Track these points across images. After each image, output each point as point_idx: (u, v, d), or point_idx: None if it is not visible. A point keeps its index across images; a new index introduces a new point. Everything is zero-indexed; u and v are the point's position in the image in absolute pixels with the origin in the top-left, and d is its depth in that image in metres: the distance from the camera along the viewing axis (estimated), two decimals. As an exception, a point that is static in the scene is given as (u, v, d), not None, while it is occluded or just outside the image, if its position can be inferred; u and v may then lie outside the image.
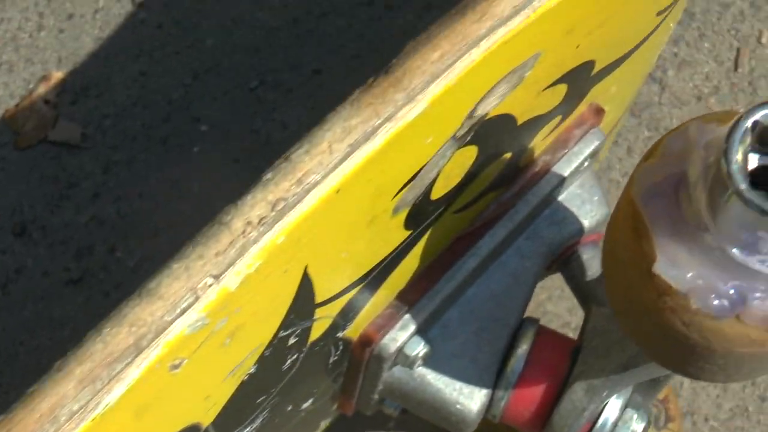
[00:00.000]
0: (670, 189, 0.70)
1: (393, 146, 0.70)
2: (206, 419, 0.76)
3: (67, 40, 1.51)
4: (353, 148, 0.68)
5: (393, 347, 0.90)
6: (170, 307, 0.63)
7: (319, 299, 0.77)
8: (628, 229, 0.73)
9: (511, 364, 0.94)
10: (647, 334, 0.77)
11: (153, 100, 1.45)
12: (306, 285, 0.74)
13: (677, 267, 0.69)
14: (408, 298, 0.90)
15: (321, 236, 0.71)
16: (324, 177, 0.67)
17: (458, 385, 0.94)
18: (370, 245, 0.78)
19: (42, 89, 1.50)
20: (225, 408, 0.76)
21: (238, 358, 0.73)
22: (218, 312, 0.65)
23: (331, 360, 0.88)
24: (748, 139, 0.66)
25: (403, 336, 0.90)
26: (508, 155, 0.86)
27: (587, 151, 0.95)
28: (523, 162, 0.91)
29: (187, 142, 1.41)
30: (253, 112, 1.43)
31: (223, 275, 0.64)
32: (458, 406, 0.94)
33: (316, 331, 0.81)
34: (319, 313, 0.79)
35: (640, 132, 1.46)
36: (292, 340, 0.79)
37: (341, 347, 0.88)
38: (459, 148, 0.78)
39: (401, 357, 0.91)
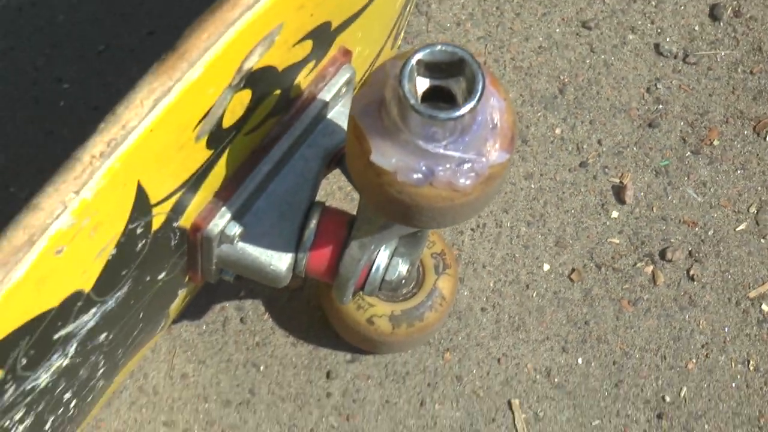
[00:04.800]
0: (375, 106, 0.99)
1: (185, 97, 0.97)
2: (87, 286, 1.01)
3: None
4: (156, 102, 0.96)
5: (216, 230, 1.19)
6: (48, 215, 0.90)
7: (153, 201, 1.04)
8: (352, 135, 1.01)
9: (305, 235, 1.25)
10: (380, 203, 1.06)
11: (22, 68, 1.67)
12: (141, 192, 1.01)
13: (385, 156, 0.97)
14: (223, 195, 1.19)
15: (146, 160, 0.99)
16: (139, 122, 0.96)
17: (270, 252, 1.24)
18: (184, 162, 1.06)
19: None
20: (98, 279, 1.02)
21: (102, 244, 1.00)
22: (81, 215, 0.91)
23: (173, 243, 1.16)
24: (417, 70, 0.96)
25: (222, 222, 1.19)
26: (277, 91, 1.15)
27: (341, 81, 1.25)
28: (293, 94, 1.20)
29: (55, 98, 1.64)
30: (103, 70, 1.67)
31: (80, 191, 0.91)
32: (271, 267, 1.24)
33: (156, 222, 1.08)
34: (155, 210, 1.06)
35: (417, 53, 1.73)
36: (139, 230, 1.06)
37: (178, 233, 1.17)
38: (236, 92, 1.06)
39: (224, 236, 1.20)
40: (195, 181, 1.13)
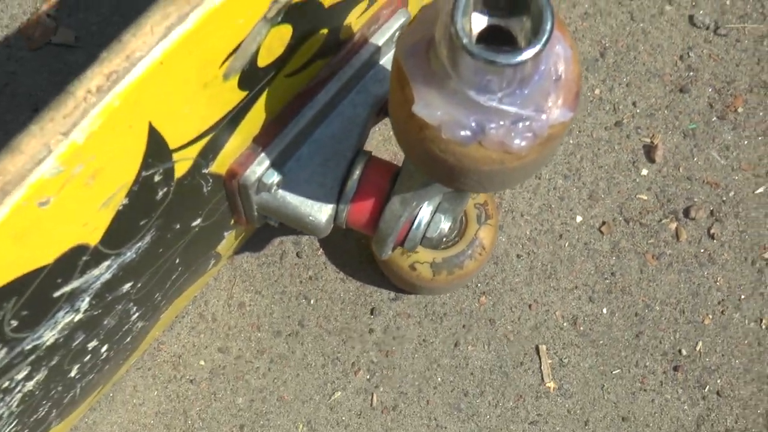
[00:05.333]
0: (423, 48, 0.62)
1: (206, 27, 0.62)
2: (92, 240, 0.69)
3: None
4: (169, 29, 0.60)
5: (253, 178, 0.84)
6: (29, 159, 0.56)
7: (173, 145, 0.70)
8: (395, 81, 0.65)
9: (348, 185, 0.89)
10: (422, 160, 0.69)
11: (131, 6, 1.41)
12: (155, 135, 0.66)
13: (430, 107, 0.61)
14: (262, 141, 0.83)
15: (158, 98, 0.63)
16: (148, 52, 0.60)
17: (310, 202, 0.88)
18: (210, 103, 0.70)
19: (45, 7, 1.44)
20: (108, 231, 0.69)
21: (107, 193, 0.66)
22: (71, 161, 0.58)
23: (205, 190, 0.81)
24: (472, 5, 0.58)
25: (260, 169, 0.84)
26: (324, 31, 0.78)
27: (396, 26, 0.88)
28: (344, 35, 0.83)
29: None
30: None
31: (70, 132, 0.57)
32: (311, 218, 0.88)
33: (180, 169, 0.73)
34: (177, 156, 0.71)
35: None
36: (157, 178, 0.71)
37: (211, 180, 0.81)
38: (273, 26, 0.70)
39: (261, 185, 0.85)
40: (228, 124, 0.76)
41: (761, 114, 1.33)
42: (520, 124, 0.61)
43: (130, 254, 0.77)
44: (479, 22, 0.60)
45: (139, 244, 0.77)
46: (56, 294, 0.68)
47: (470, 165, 0.64)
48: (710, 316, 1.25)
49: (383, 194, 0.89)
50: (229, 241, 1.03)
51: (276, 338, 1.24)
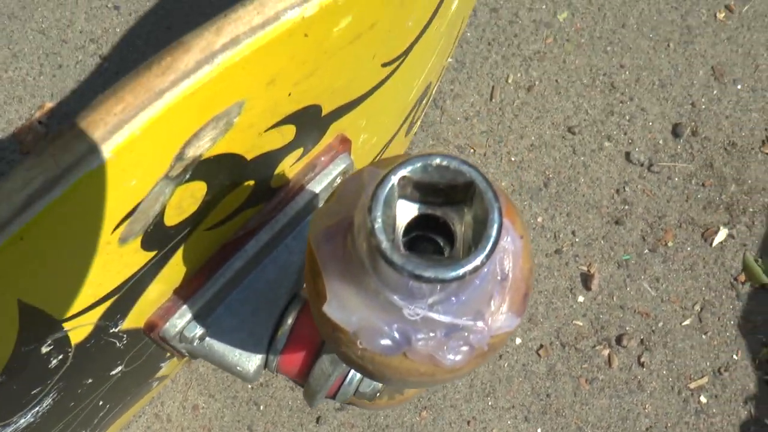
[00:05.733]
0: (341, 233, 0.40)
1: (81, 191, 0.39)
2: None
3: (57, 81, 1.21)
4: (32, 199, 0.38)
5: (173, 331, 0.59)
6: None
7: (61, 316, 0.47)
8: (308, 268, 0.42)
9: (279, 335, 0.65)
10: (340, 356, 0.47)
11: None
12: (30, 311, 0.43)
13: (345, 309, 0.38)
14: (183, 293, 0.59)
15: (22, 274, 0.41)
16: (5, 225, 0.37)
17: (238, 352, 0.64)
18: (107, 268, 0.47)
19: (38, 114, 1.23)
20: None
21: None
22: None
23: (120, 344, 0.58)
24: (397, 193, 0.36)
25: (181, 323, 0.59)
26: (250, 183, 0.55)
27: (336, 172, 0.63)
28: (276, 183, 0.60)
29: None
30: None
31: None
32: (238, 368, 0.64)
33: (77, 336, 0.50)
34: (69, 325, 0.48)
35: (426, 141, 1.17)
36: (45, 349, 0.48)
37: (125, 336, 0.58)
38: (180, 184, 0.47)
39: (183, 337, 0.61)
40: (137, 284, 0.52)
41: (689, 249, 1.12)
42: (455, 336, 0.39)
43: (25, 420, 0.53)
44: (408, 210, 0.38)
45: (37, 408, 0.53)
46: None
47: (392, 375, 0.42)
48: (638, 442, 1.02)
49: (315, 347, 0.65)
50: (171, 365, 0.79)
51: (224, 441, 1.01)
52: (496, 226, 0.34)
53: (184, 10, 1.25)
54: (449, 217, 0.38)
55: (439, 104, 1.21)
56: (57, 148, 0.39)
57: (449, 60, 1.21)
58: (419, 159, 0.35)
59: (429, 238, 0.40)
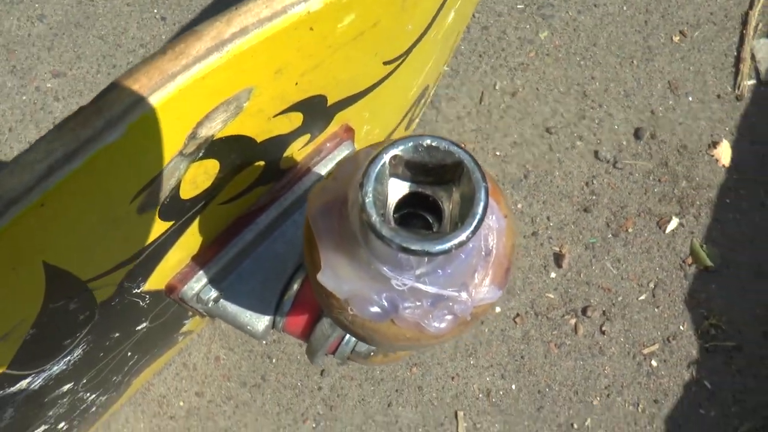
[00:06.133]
0: (336, 209, 0.35)
1: (99, 163, 0.35)
2: None
3: (111, 79, 1.17)
4: (52, 169, 0.33)
5: (191, 293, 0.55)
6: None
7: (86, 277, 0.42)
8: (305, 240, 0.38)
9: (285, 300, 0.60)
10: (333, 319, 0.42)
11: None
12: (56, 271, 0.39)
13: (337, 278, 0.34)
14: (200, 260, 0.55)
15: (47, 237, 0.37)
16: (27, 192, 0.33)
17: (249, 313, 0.59)
18: (127, 235, 0.43)
19: None
20: (15, 359, 0.42)
21: (1, 330, 0.39)
22: None
23: (143, 304, 0.54)
24: (388, 171, 0.32)
25: (198, 286, 0.55)
26: (261, 163, 0.51)
27: (340, 157, 0.58)
28: (285, 165, 0.55)
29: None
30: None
31: None
32: (249, 327, 0.60)
33: (102, 295, 0.46)
34: (94, 284, 0.44)
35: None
36: (73, 306, 0.44)
37: (147, 296, 0.53)
38: (194, 161, 0.43)
39: (199, 299, 0.57)
40: (155, 251, 0.48)
41: (646, 235, 1.07)
42: (440, 305, 0.34)
43: (58, 367, 0.49)
44: (399, 188, 0.33)
45: (68, 357, 0.49)
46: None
47: (381, 339, 0.37)
48: (598, 398, 0.97)
49: (317, 311, 0.60)
50: (194, 322, 0.75)
51: (242, 388, 0.96)
52: (482, 204, 0.29)
53: (219, 20, 1.20)
54: (438, 195, 0.33)
55: (435, 105, 1.16)
56: (77, 123, 0.34)
57: (445, 68, 1.16)
58: (411, 139, 0.30)
59: (419, 215, 0.35)
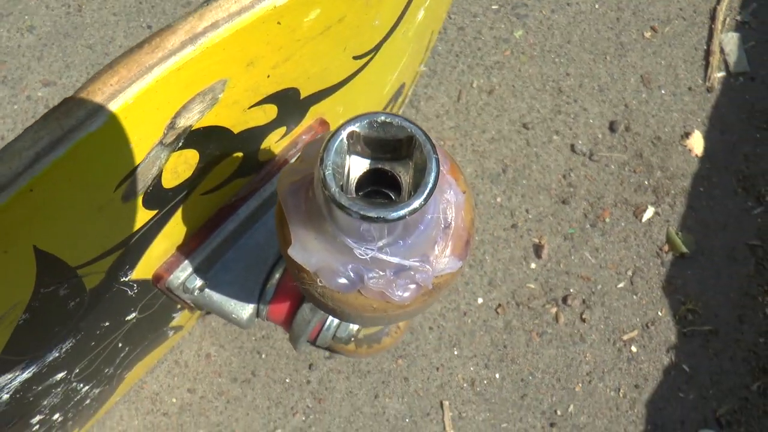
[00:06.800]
0: (304, 187, 0.38)
1: (83, 151, 0.37)
2: None
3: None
4: (39, 156, 0.35)
5: (176, 282, 0.57)
6: None
7: (75, 263, 0.45)
8: (277, 218, 0.40)
9: (267, 288, 0.63)
10: (306, 295, 0.44)
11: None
12: (46, 257, 0.41)
13: (306, 251, 0.36)
14: (185, 250, 0.57)
15: (37, 222, 0.39)
16: (16, 178, 0.35)
17: (233, 302, 0.61)
18: (112, 223, 0.45)
19: None
20: (10, 343, 0.44)
21: None
22: None
23: (131, 293, 0.56)
24: (354, 147, 0.34)
25: (183, 275, 0.57)
26: (239, 154, 0.53)
27: None
28: (263, 157, 0.57)
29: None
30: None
31: None
32: (233, 316, 0.62)
33: (91, 282, 0.48)
34: (83, 271, 0.46)
35: (404, 136, 1.14)
36: (63, 292, 0.46)
37: (135, 285, 0.55)
38: (173, 151, 0.45)
39: (185, 288, 0.59)
40: (141, 239, 0.50)
41: (623, 224, 1.09)
42: (403, 275, 0.37)
43: (51, 355, 0.51)
44: (360, 165, 0.35)
45: (60, 345, 0.51)
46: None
47: (350, 311, 0.39)
48: (580, 385, 0.99)
49: (298, 298, 0.63)
50: (184, 316, 0.77)
51: (233, 383, 0.98)
52: (433, 174, 0.32)
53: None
54: (396, 171, 0.36)
55: (414, 104, 1.18)
56: (61, 113, 0.36)
57: (423, 68, 1.18)
58: (366, 116, 0.33)
59: (381, 193, 0.38)
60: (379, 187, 0.37)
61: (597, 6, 1.26)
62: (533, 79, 1.19)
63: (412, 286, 0.37)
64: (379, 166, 0.35)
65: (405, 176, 0.35)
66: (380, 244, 0.35)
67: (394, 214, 0.31)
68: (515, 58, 1.20)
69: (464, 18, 1.24)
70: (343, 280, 0.36)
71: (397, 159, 0.35)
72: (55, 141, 0.36)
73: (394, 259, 0.35)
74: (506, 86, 1.18)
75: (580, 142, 1.15)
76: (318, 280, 0.36)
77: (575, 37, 1.23)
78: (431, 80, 1.19)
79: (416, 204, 0.31)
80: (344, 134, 0.32)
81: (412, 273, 0.36)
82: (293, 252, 0.36)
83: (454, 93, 1.18)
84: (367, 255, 0.34)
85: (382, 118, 0.32)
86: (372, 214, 0.31)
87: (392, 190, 0.37)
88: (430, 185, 0.31)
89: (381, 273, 0.36)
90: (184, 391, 0.98)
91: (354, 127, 0.32)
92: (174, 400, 0.98)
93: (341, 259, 0.36)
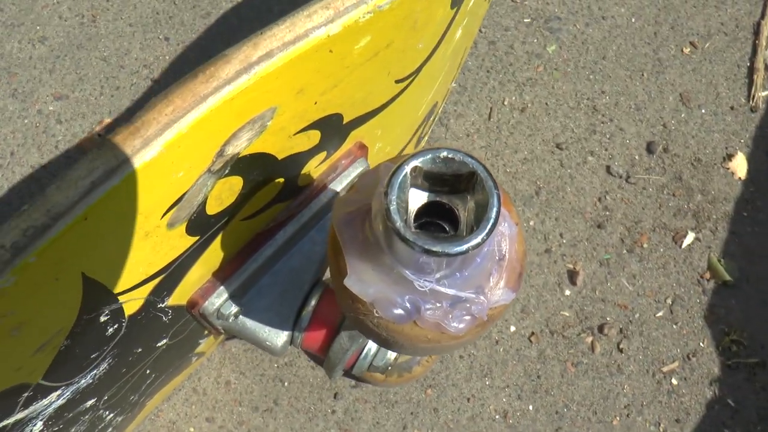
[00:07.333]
0: (360, 218, 0.40)
1: (136, 180, 0.40)
2: (32, 379, 0.46)
3: (115, 101, 1.22)
4: (95, 185, 0.38)
5: (212, 308, 0.60)
6: None
7: (117, 290, 0.47)
8: (330, 248, 0.43)
9: (303, 315, 0.65)
10: (357, 326, 0.46)
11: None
12: (92, 283, 0.44)
13: (363, 282, 0.39)
14: (221, 275, 0.59)
15: (86, 251, 0.42)
16: (72, 206, 0.38)
17: (267, 329, 0.64)
18: (156, 249, 0.47)
19: (98, 128, 1.23)
20: (51, 368, 0.47)
21: (40, 340, 0.43)
22: None
23: (165, 319, 0.58)
24: (409, 182, 0.37)
25: (219, 301, 0.60)
26: (280, 180, 0.56)
27: (354, 173, 0.64)
28: (302, 182, 0.60)
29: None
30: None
31: None
32: (268, 343, 0.64)
33: (131, 308, 0.51)
34: (124, 298, 0.49)
35: (431, 154, 1.17)
36: (103, 318, 0.48)
37: (170, 311, 0.58)
38: (220, 178, 0.48)
39: (220, 314, 0.61)
40: (181, 265, 0.53)
41: (662, 250, 1.11)
42: (459, 306, 0.39)
43: (85, 381, 0.54)
44: (419, 198, 0.38)
45: (95, 372, 0.54)
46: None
47: (404, 341, 0.42)
48: (618, 418, 1.01)
49: (335, 326, 0.65)
50: (208, 342, 0.80)
51: (254, 413, 1.00)
52: (495, 210, 0.34)
53: (223, 42, 1.27)
54: (454, 203, 0.38)
55: (444, 122, 1.21)
56: (116, 143, 0.39)
57: (453, 85, 1.21)
58: (429, 152, 0.35)
59: (436, 224, 0.40)
60: (434, 218, 0.40)
61: (633, 20, 1.28)
62: (567, 97, 1.21)
63: (468, 318, 0.39)
64: (437, 199, 0.38)
65: (462, 210, 0.38)
66: (438, 276, 0.38)
67: (458, 249, 0.34)
68: (548, 75, 1.23)
69: (495, 31, 1.27)
70: (399, 311, 0.38)
71: (454, 192, 0.38)
72: (110, 171, 0.39)
73: (451, 291, 0.38)
74: (539, 104, 1.21)
75: (616, 163, 1.17)
76: (374, 311, 0.39)
77: (611, 53, 1.25)
78: (461, 97, 1.22)
79: (479, 239, 0.34)
80: (407, 169, 0.35)
81: (468, 305, 0.39)
82: (350, 282, 0.39)
83: (485, 111, 1.21)
84: (426, 287, 0.37)
85: (445, 153, 0.35)
86: (436, 248, 0.33)
87: (446, 221, 0.40)
88: (492, 221, 0.34)
89: (437, 304, 0.38)
90: (203, 420, 1.00)
91: (417, 162, 0.35)
92: (191, 430, 1.00)
93: (398, 290, 0.38)
